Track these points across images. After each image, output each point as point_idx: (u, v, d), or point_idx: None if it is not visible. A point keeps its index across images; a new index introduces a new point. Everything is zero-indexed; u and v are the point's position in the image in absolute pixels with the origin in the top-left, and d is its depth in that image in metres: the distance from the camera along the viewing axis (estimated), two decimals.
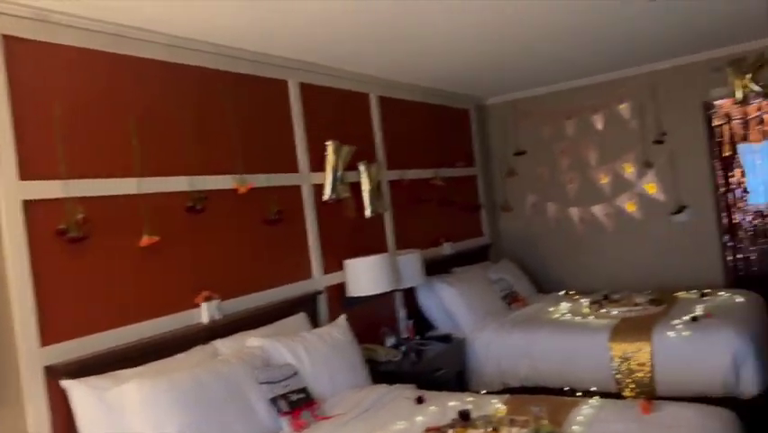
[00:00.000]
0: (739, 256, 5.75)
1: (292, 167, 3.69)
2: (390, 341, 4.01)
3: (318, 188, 3.82)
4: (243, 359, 2.78)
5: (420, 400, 2.88)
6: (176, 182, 2.96)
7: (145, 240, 2.75)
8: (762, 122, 5.79)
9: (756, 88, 4.69)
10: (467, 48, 3.91)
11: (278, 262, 3.52)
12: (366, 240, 4.20)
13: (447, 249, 5.05)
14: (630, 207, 5.36)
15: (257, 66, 3.48)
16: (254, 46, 3.34)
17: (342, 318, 3.51)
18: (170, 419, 2.35)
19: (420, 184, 4.88)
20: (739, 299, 4.15)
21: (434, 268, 4.63)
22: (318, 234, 3.79)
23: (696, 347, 3.53)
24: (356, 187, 4.09)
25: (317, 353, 3.08)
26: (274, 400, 2.70)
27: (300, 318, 3.42)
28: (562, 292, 5.14)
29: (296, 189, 3.70)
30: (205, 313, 2.97)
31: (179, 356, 2.73)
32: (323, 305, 3.73)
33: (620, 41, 4.28)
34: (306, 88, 3.82)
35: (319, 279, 3.76)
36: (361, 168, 4.09)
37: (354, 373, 3.22)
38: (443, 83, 5.00)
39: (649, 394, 3.44)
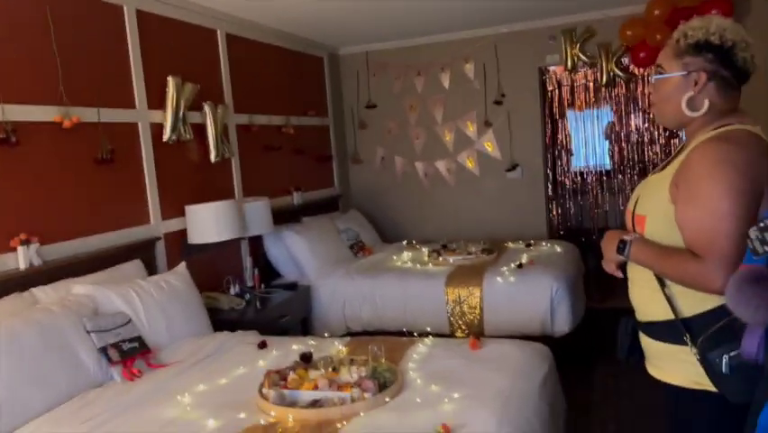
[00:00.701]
0: (561, 211, 6.39)
1: (127, 102, 3.39)
2: (234, 289, 3.92)
3: (157, 128, 3.56)
4: (68, 307, 2.56)
5: (263, 346, 2.87)
6: None
7: None
8: (587, 90, 6.39)
9: (584, 58, 5.15)
10: None
11: (111, 206, 3.25)
12: (211, 186, 4.03)
13: (297, 198, 5.01)
14: (470, 163, 5.67)
15: None
16: None
17: (182, 266, 3.36)
18: None
19: (270, 131, 4.75)
20: (558, 249, 4.61)
21: (283, 217, 4.58)
22: (157, 178, 3.55)
23: (519, 291, 3.88)
24: (200, 129, 3.88)
25: (153, 301, 2.92)
26: (104, 350, 2.53)
27: (135, 265, 3.21)
28: (405, 242, 5.36)
29: (131, 127, 3.42)
30: (21, 258, 2.68)
31: None
32: (161, 252, 3.54)
33: (466, 1, 4.42)
34: (144, 17, 3.50)
35: (157, 225, 3.55)
36: (207, 109, 3.88)
37: (194, 321, 3.12)
38: (296, 27, 4.85)
39: (478, 335, 3.72)
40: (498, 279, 3.97)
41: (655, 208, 1.59)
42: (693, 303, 1.51)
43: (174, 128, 3.58)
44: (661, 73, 1.61)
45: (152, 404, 2.30)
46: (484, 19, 5.09)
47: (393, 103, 5.82)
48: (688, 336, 1.51)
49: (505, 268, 4.11)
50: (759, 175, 1.43)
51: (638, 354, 1.74)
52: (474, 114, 5.60)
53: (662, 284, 1.57)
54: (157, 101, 3.55)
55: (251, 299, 3.87)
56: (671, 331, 1.56)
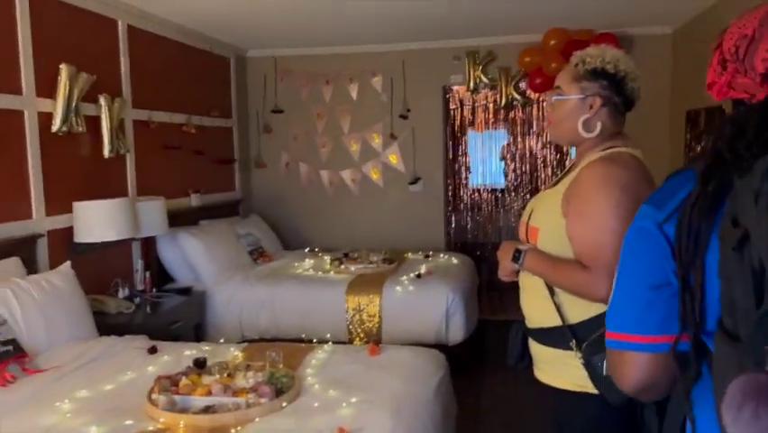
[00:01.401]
0: (458, 225, 6.62)
1: (13, 87, 3.14)
2: (123, 293, 3.72)
3: (46, 117, 3.32)
4: None
5: (153, 351, 2.74)
6: None
7: None
8: (486, 110, 6.68)
9: (485, 80, 5.39)
10: None
11: None
12: (102, 182, 3.81)
13: (195, 200, 4.84)
14: (375, 174, 5.75)
15: None
16: None
17: (67, 266, 3.14)
18: None
19: (170, 128, 4.57)
20: (455, 261, 4.77)
21: (180, 219, 4.41)
22: (42, 170, 3.31)
23: (417, 300, 3.97)
24: (95, 122, 3.66)
25: (33, 301, 2.71)
26: None
27: (13, 263, 2.96)
28: (307, 249, 5.33)
29: (17, 115, 3.16)
30: None
31: None
32: (43, 250, 3.29)
33: (377, 16, 4.51)
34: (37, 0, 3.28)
35: (40, 220, 3.29)
36: (102, 101, 3.67)
37: (78, 324, 2.93)
38: (203, 26, 4.72)
39: (377, 341, 3.77)
40: (398, 288, 4.04)
41: (548, 221, 1.69)
42: (579, 311, 1.63)
43: (65, 119, 3.35)
44: (560, 95, 1.72)
45: (27, 411, 2.13)
46: (393, 35, 5.20)
47: (300, 109, 5.79)
48: (574, 341, 1.62)
49: (404, 277, 4.19)
50: (641, 194, 1.57)
51: (527, 360, 1.84)
52: (380, 126, 5.69)
53: (552, 293, 1.67)
54: (47, 89, 3.31)
55: (140, 303, 3.69)
56: (558, 337, 1.66)
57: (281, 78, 5.79)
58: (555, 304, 1.66)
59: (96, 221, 3.41)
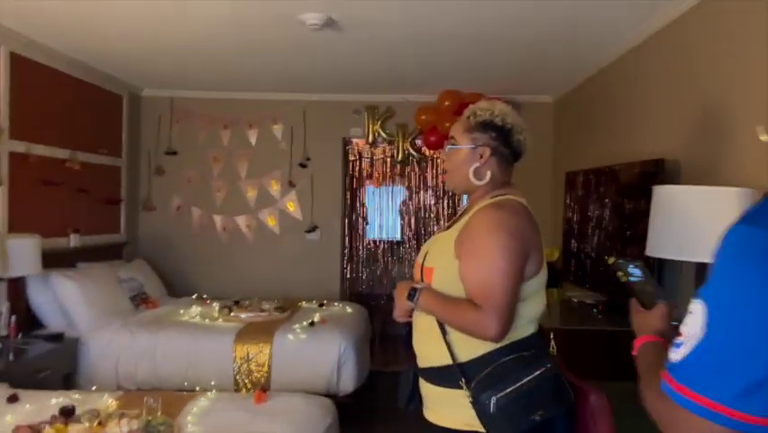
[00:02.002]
0: (354, 276, 6.63)
1: None
2: None
3: None
4: None
5: (13, 399, 2.47)
6: None
7: None
8: (384, 164, 6.86)
9: (383, 135, 5.56)
10: (119, 24, 3.61)
11: None
12: None
13: (74, 241, 4.52)
14: (271, 221, 5.67)
15: None
16: None
17: None
18: None
19: (51, 163, 4.28)
20: (349, 310, 4.75)
21: (56, 260, 4.09)
22: None
23: (309, 348, 3.88)
24: None
25: None
26: None
27: None
28: (195, 296, 5.10)
29: None
30: None
31: None
32: None
33: (282, 66, 4.56)
34: None
35: None
36: None
37: None
38: (94, 60, 4.54)
39: (264, 388, 3.62)
40: (290, 336, 3.95)
41: (442, 262, 1.74)
42: (469, 349, 1.66)
43: None
44: (454, 144, 1.82)
45: None
46: (294, 85, 5.27)
47: (196, 152, 5.65)
48: (463, 379, 1.64)
49: (297, 326, 4.10)
50: (527, 238, 1.67)
51: (417, 401, 1.84)
52: (279, 173, 5.66)
53: (444, 332, 1.70)
54: None
55: (2, 349, 3.34)
56: (448, 376, 1.68)
57: (177, 119, 5.65)
58: (447, 343, 1.69)
59: None
